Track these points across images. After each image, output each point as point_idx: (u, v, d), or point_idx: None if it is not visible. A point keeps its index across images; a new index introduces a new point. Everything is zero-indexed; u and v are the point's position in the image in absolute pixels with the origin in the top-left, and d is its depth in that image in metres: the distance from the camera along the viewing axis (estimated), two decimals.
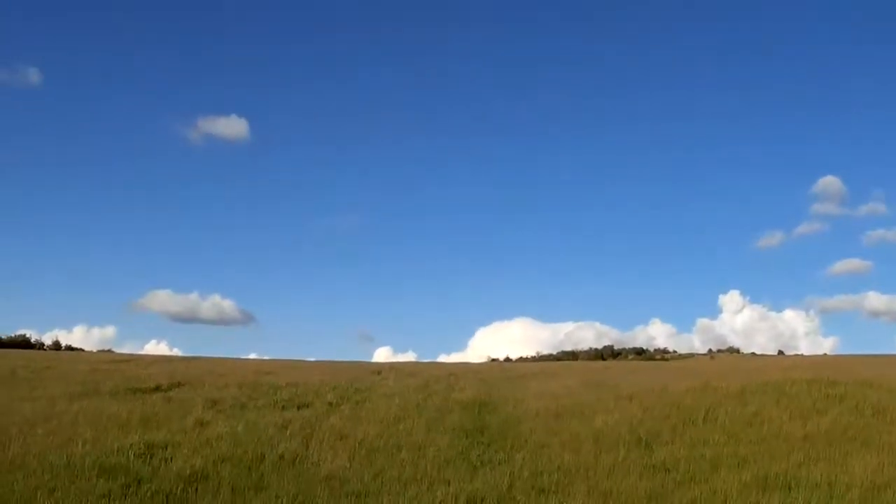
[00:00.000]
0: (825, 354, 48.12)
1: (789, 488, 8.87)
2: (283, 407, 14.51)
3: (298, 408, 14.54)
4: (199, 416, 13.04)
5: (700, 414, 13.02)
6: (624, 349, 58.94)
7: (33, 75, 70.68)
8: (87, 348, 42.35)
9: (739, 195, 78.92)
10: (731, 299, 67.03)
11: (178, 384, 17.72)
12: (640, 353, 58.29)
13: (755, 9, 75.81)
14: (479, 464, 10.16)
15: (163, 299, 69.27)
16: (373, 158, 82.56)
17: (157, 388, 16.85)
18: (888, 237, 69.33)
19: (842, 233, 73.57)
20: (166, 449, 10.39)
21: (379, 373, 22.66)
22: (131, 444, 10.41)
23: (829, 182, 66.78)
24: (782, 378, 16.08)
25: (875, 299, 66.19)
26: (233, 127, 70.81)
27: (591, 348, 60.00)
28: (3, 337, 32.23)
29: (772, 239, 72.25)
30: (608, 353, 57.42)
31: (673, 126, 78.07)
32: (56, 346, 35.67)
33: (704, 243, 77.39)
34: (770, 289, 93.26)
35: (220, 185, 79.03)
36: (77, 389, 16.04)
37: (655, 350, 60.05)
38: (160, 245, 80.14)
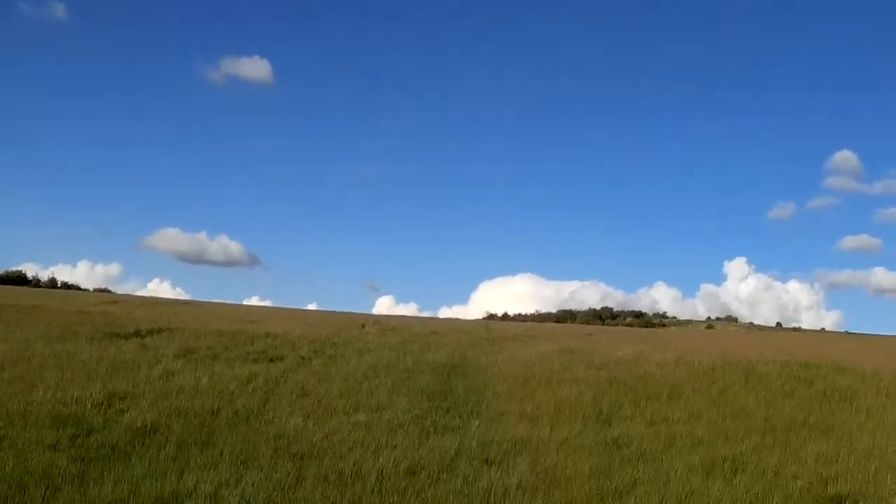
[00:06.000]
0: (823, 330, 47.94)
1: (735, 473, 8.86)
2: (255, 359, 14.63)
3: (271, 360, 14.67)
4: (168, 365, 13.18)
5: (666, 389, 13.03)
6: (623, 311, 58.70)
7: (59, 10, 70.11)
8: (87, 286, 42.74)
9: (754, 165, 78.00)
10: (736, 266, 66.67)
11: (158, 330, 17.86)
12: (638, 316, 57.92)
13: None
14: (432, 430, 10.20)
15: (171, 237, 69.64)
16: (394, 107, 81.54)
17: (136, 334, 16.99)
18: None
19: (854, 208, 72.86)
20: (126, 399, 10.50)
21: (363, 326, 22.77)
22: (91, 394, 10.53)
23: (845, 157, 65.63)
24: (756, 357, 16.01)
25: (882, 275, 65.76)
26: (256, 68, 70.10)
27: (590, 309, 59.91)
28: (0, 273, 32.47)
29: (783, 210, 71.64)
30: (607, 315, 57.21)
31: (693, 91, 76.88)
32: (52, 283, 35.93)
33: (715, 210, 76.82)
34: (777, 259, 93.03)
35: (239, 127, 78.52)
36: (55, 332, 16.18)
37: (655, 315, 59.73)
38: (173, 183, 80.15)
